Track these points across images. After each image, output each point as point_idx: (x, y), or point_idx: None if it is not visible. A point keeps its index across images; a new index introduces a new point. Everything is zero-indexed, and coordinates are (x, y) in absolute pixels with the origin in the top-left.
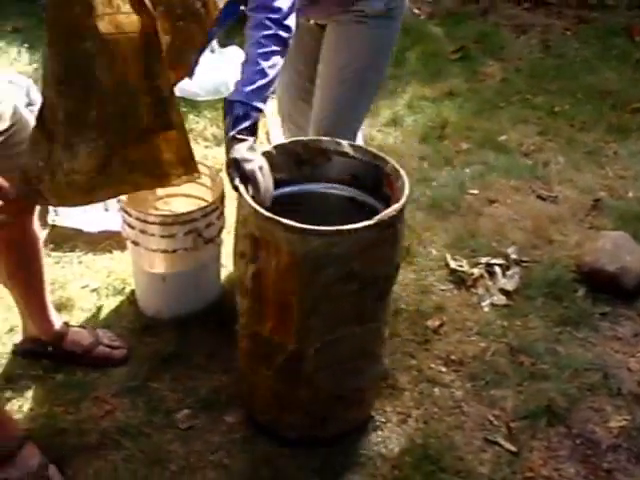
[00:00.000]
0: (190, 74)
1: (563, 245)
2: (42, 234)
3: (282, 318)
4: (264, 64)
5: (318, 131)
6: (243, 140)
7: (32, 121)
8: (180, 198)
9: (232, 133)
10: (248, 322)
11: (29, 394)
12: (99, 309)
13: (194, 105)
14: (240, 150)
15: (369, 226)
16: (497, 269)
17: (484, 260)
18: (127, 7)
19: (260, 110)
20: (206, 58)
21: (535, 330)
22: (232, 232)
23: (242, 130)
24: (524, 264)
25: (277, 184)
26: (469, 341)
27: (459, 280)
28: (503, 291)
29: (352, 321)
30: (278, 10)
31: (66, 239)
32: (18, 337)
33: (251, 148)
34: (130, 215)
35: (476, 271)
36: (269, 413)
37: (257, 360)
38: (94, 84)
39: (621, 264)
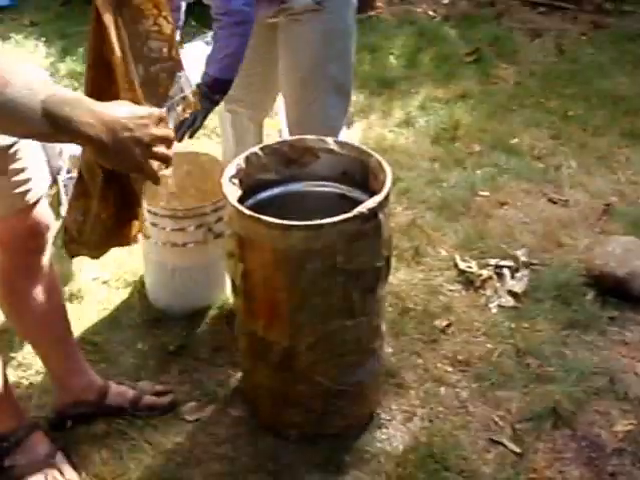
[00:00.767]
0: None
1: (573, 249)
2: (55, 225)
3: (273, 315)
4: None
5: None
6: None
7: None
8: (191, 192)
9: None
10: (243, 321)
11: (37, 383)
12: (109, 301)
13: None
14: None
15: (349, 219)
16: (506, 271)
17: (493, 262)
18: None
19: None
20: (207, 51)
21: (542, 332)
22: None
23: None
24: (533, 267)
25: (267, 185)
26: (476, 342)
27: (467, 281)
28: (511, 293)
29: (342, 315)
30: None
31: None
32: None
33: None
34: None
35: (485, 272)
36: (271, 411)
37: (255, 358)
38: None
39: (630, 269)
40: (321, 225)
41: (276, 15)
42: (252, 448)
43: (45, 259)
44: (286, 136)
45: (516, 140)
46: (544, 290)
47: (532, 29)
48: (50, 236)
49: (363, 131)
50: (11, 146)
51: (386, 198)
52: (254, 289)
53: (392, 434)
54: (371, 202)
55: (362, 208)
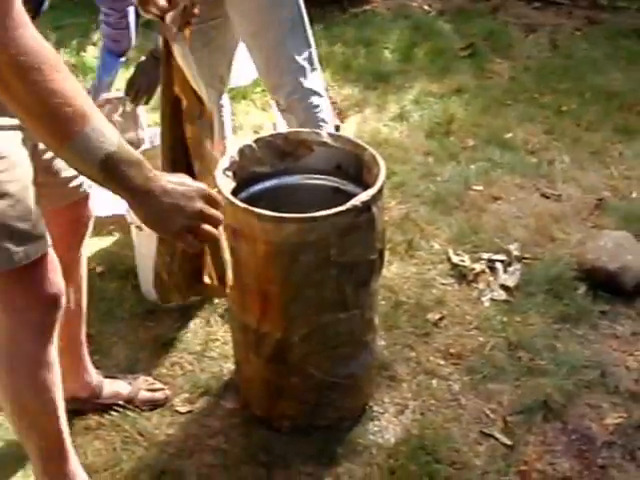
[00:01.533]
0: None
1: (565, 243)
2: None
3: (266, 307)
4: None
5: (274, 89)
6: None
7: None
8: None
9: None
10: (236, 313)
11: None
12: (102, 293)
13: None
14: None
15: (342, 212)
16: (498, 265)
17: (486, 256)
18: None
19: None
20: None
21: (534, 326)
22: None
23: None
24: (525, 261)
25: (261, 178)
26: (468, 335)
27: (460, 275)
28: (504, 287)
29: (335, 308)
30: None
31: None
32: None
33: None
34: None
35: (477, 266)
36: (264, 403)
37: (248, 350)
38: None
39: (622, 263)
40: (314, 218)
41: None
42: (245, 440)
43: (82, 257)
44: (280, 129)
45: (510, 135)
46: (536, 284)
47: (527, 24)
48: (90, 229)
49: (357, 125)
50: None
51: (380, 191)
52: (247, 281)
53: (384, 426)
54: (365, 195)
55: (356, 201)
